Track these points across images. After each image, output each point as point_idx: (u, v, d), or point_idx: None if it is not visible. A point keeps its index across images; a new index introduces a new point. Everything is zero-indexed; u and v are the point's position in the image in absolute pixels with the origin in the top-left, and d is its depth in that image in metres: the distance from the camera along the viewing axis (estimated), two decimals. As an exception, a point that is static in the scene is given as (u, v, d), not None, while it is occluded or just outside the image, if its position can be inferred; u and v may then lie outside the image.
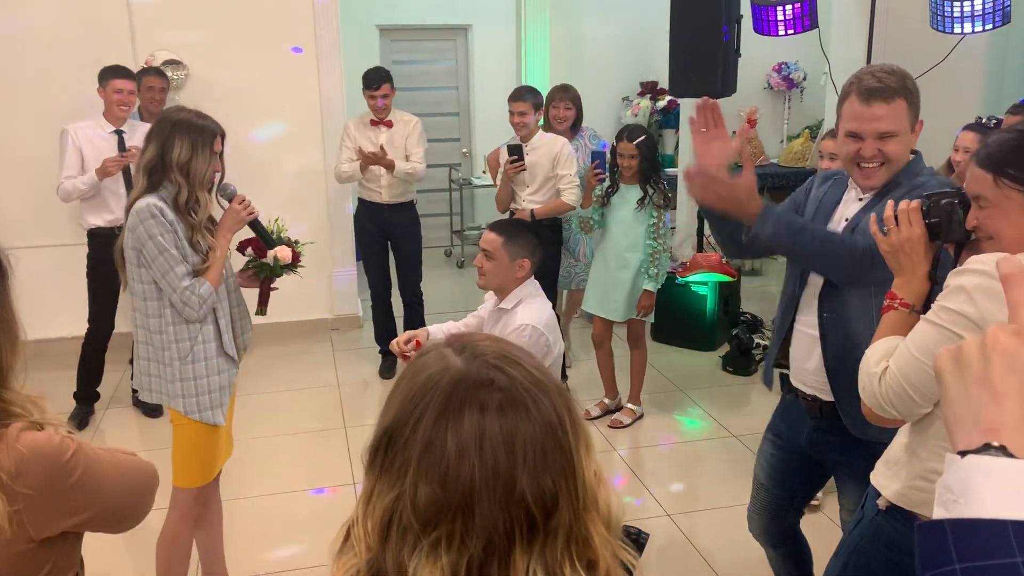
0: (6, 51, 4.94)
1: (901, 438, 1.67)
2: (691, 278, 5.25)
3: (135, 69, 4.59)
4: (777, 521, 2.46)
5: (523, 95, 4.52)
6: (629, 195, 4.11)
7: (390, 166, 4.65)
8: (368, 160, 4.62)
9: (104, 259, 4.29)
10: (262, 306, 2.76)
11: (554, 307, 4.77)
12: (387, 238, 4.99)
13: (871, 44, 4.77)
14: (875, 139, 2.00)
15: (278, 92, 5.33)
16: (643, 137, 4.06)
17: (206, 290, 2.44)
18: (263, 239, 2.67)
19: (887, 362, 1.55)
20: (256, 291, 2.78)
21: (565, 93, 4.70)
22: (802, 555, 2.54)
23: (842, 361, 2.09)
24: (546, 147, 4.46)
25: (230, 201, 2.57)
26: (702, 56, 4.67)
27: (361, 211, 5.00)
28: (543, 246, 4.58)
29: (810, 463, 2.30)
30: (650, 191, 4.05)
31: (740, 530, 2.78)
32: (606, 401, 4.41)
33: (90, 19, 5.00)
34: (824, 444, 2.21)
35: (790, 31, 4.73)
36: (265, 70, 5.29)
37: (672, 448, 4.15)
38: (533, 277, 2.76)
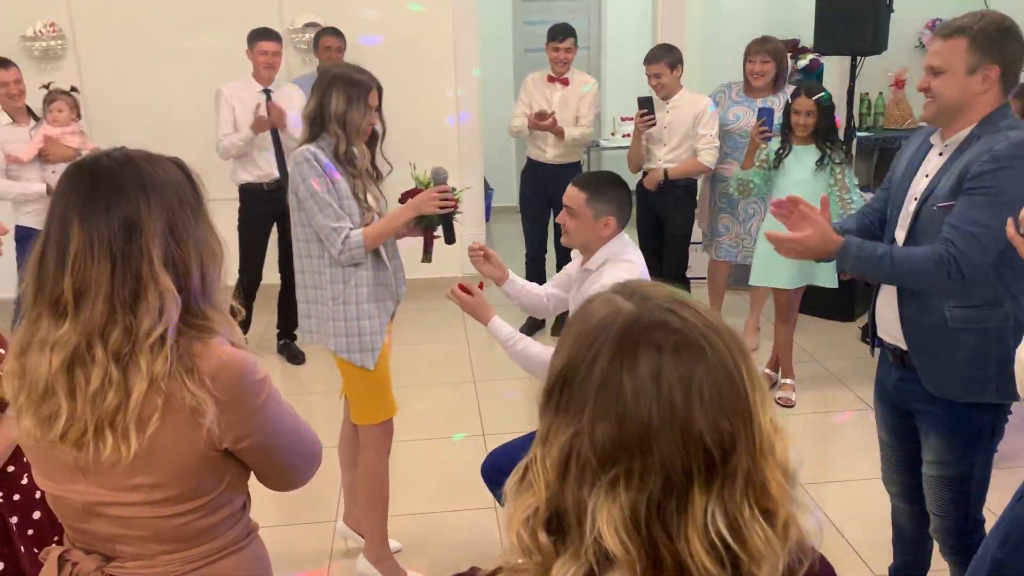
0: (160, 16, 5.23)
1: None
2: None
3: (282, 32, 4.78)
4: (909, 475, 2.42)
5: (655, 56, 4.42)
6: (804, 157, 3.87)
7: (560, 134, 4.67)
8: (537, 126, 4.65)
9: (254, 213, 4.56)
10: (426, 254, 2.79)
11: (686, 270, 4.73)
12: (549, 198, 5.01)
13: (1042, -4, 4.40)
14: (928, 73, 2.06)
15: (414, 53, 5.43)
16: (822, 93, 3.83)
17: (355, 241, 2.51)
18: (446, 232, 2.68)
19: None
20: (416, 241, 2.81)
21: (762, 45, 4.42)
22: (927, 516, 2.49)
23: (918, 322, 2.15)
24: (688, 105, 4.35)
25: (437, 184, 2.62)
26: (851, 11, 4.47)
27: (527, 169, 5.04)
28: (676, 207, 4.54)
29: (910, 414, 2.30)
30: (828, 150, 3.82)
31: (873, 503, 2.70)
32: (771, 373, 4.29)
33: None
34: (909, 394, 2.24)
35: (950, -16, 4.43)
36: (401, 32, 5.40)
37: (806, 418, 4.04)
38: (623, 234, 2.59)
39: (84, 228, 1.22)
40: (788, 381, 4.18)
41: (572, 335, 0.85)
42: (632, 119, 4.61)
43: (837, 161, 3.80)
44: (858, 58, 4.83)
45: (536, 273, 5.06)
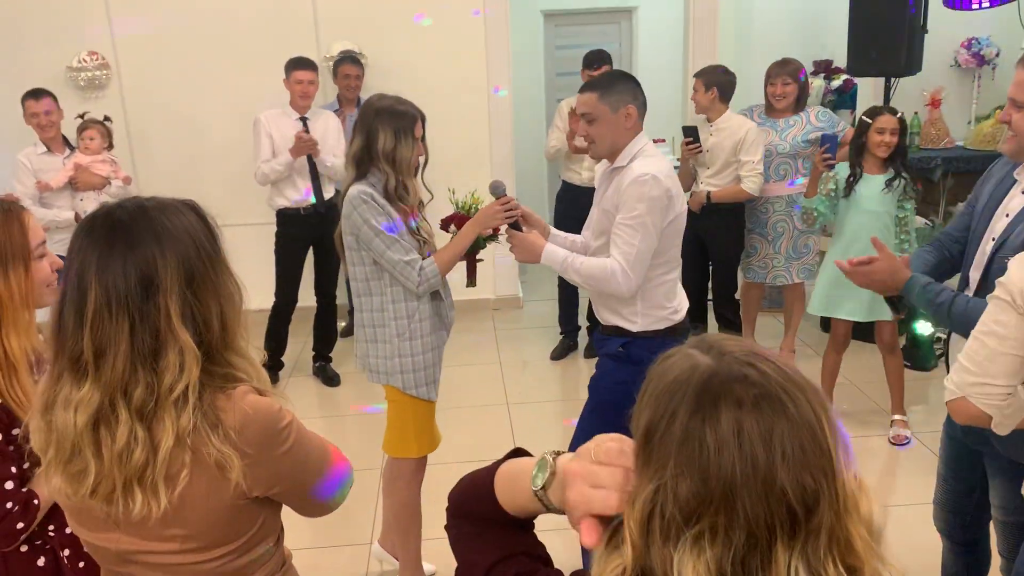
0: (200, 45, 5.36)
1: None
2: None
3: (319, 60, 4.87)
4: (956, 515, 2.36)
5: (699, 71, 4.44)
6: (875, 187, 3.70)
7: None
8: (578, 149, 4.66)
9: (291, 236, 4.63)
10: (471, 278, 2.80)
11: (735, 292, 4.69)
12: (583, 220, 4.99)
13: (1080, 15, 4.36)
14: (1009, 104, 1.91)
15: (448, 78, 5.50)
16: (902, 112, 3.73)
17: (431, 270, 2.51)
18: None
19: None
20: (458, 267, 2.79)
21: (783, 68, 4.43)
22: (977, 561, 2.43)
23: None
24: (730, 130, 4.32)
25: (497, 198, 2.59)
26: (885, 32, 4.44)
27: (562, 192, 5.05)
28: (721, 231, 4.49)
29: (977, 455, 2.21)
30: (903, 175, 3.67)
31: (913, 531, 2.66)
32: None
33: (277, 12, 5.35)
34: (975, 434, 2.13)
35: (985, 5, 4.39)
36: (436, 56, 5.48)
37: (842, 442, 3.99)
38: (644, 134, 2.54)
39: (101, 285, 1.21)
40: (903, 417, 4.03)
41: (652, 390, 0.85)
42: (662, 141, 4.62)
43: (910, 196, 3.68)
44: (892, 78, 4.80)
45: (567, 295, 5.07)
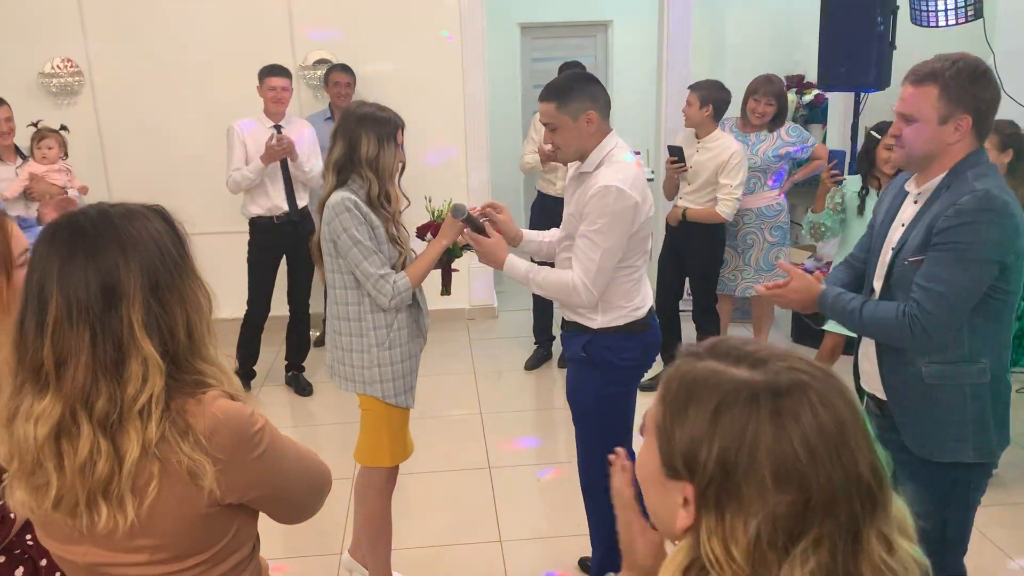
0: (174, 54, 5.33)
1: None
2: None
3: (294, 69, 4.86)
4: None
5: (695, 85, 4.37)
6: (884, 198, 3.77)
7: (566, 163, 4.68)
8: (548, 156, 4.67)
9: (264, 245, 4.61)
10: (445, 287, 2.82)
11: (713, 304, 4.70)
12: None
13: (1043, 34, 4.46)
14: (898, 118, 2.01)
15: (424, 88, 5.51)
16: None
17: (403, 284, 2.51)
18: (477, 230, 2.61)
19: None
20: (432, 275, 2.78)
21: (769, 86, 4.44)
22: None
23: (895, 375, 2.09)
24: (717, 150, 4.27)
25: (458, 218, 2.56)
26: (854, 48, 4.51)
27: (536, 202, 5.03)
28: (697, 245, 4.49)
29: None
30: None
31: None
32: None
33: (252, 21, 5.34)
34: (886, 443, 2.15)
35: (951, 22, 4.48)
36: (412, 67, 5.49)
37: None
38: (615, 135, 2.51)
39: (62, 294, 1.18)
40: None
41: (697, 414, 0.85)
42: (637, 154, 4.63)
43: None
44: (862, 93, 4.88)
45: (542, 305, 5.08)
